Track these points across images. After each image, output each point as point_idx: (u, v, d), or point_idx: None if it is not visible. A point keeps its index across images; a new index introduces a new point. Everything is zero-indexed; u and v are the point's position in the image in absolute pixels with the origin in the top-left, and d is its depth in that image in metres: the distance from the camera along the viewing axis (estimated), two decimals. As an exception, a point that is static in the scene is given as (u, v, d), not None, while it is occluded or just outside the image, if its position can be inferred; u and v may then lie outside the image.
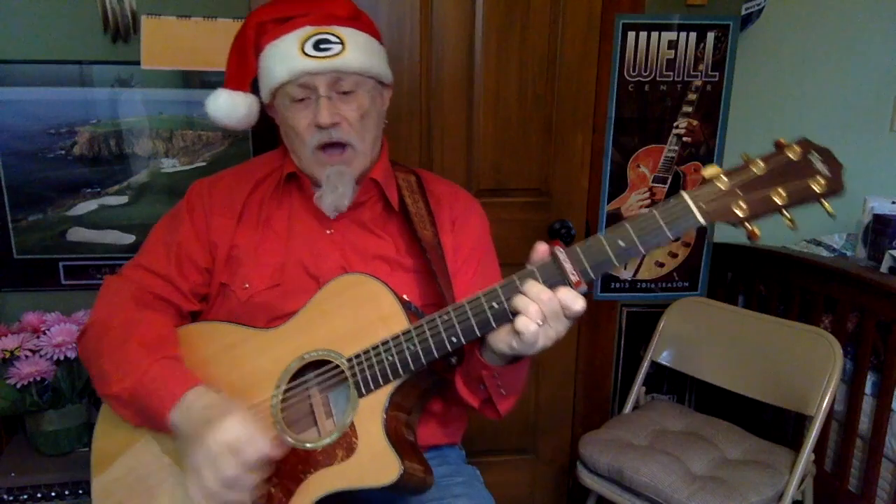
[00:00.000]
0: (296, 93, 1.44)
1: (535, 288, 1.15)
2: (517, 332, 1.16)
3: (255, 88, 1.57)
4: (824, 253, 2.68)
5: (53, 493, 2.04)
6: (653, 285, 2.62)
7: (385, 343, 1.28)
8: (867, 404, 2.20)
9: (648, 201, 2.51)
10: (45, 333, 2.03)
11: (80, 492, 2.04)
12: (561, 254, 1.15)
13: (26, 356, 1.98)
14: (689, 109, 2.46)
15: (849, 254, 2.67)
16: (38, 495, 2.03)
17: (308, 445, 1.30)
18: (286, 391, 1.34)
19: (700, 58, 2.42)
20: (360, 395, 1.29)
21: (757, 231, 1.09)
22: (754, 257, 2.60)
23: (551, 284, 1.15)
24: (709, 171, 1.10)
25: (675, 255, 2.59)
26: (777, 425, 2.50)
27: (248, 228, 1.54)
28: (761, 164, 1.09)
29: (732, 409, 2.53)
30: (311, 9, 1.48)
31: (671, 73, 2.43)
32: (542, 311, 1.14)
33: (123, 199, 2.23)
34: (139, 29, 2.11)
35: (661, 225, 1.10)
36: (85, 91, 2.13)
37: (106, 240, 2.25)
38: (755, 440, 2.30)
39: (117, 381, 1.34)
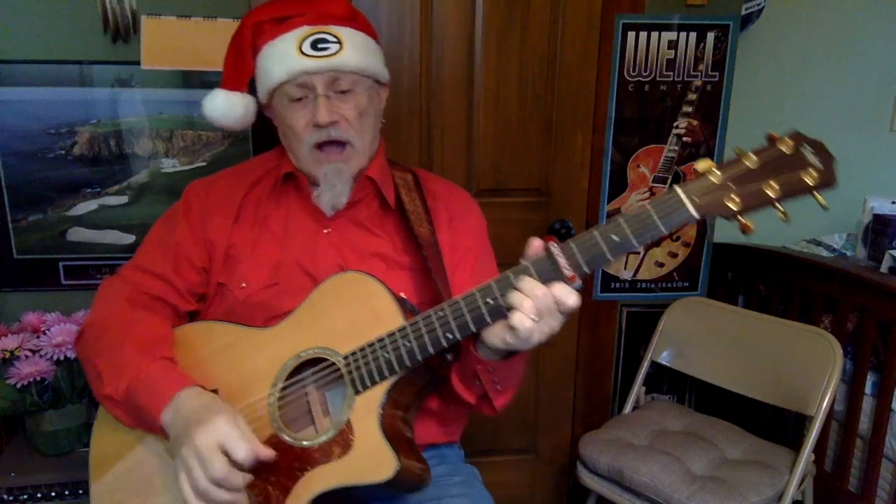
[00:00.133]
0: (294, 92, 1.45)
1: (529, 283, 1.16)
2: (512, 328, 1.17)
3: (251, 89, 1.57)
4: (824, 253, 2.67)
5: (53, 493, 2.04)
6: (653, 285, 2.62)
7: (381, 340, 1.28)
8: (867, 404, 2.19)
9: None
10: (45, 333, 2.03)
11: (80, 492, 2.04)
12: (555, 249, 1.16)
13: (26, 356, 1.98)
14: (689, 109, 2.46)
15: (849, 254, 2.67)
16: (38, 495, 2.03)
17: (304, 443, 1.30)
18: (283, 389, 1.34)
19: (700, 58, 2.42)
20: (357, 393, 1.29)
21: (750, 224, 1.09)
22: (754, 257, 2.60)
23: (546, 280, 1.16)
24: (701, 165, 1.11)
25: (675, 255, 2.59)
26: (777, 425, 2.50)
27: (245, 228, 1.54)
28: (754, 157, 1.09)
29: (732, 409, 2.53)
30: (308, 9, 1.48)
31: (671, 73, 2.43)
32: (537, 306, 1.15)
33: (123, 199, 2.23)
34: (139, 29, 2.11)
35: (654, 219, 1.11)
36: (85, 91, 2.13)
37: (106, 240, 2.25)
38: (755, 440, 2.30)
39: (111, 381, 1.34)
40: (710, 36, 2.40)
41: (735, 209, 1.09)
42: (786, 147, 1.08)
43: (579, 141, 2.49)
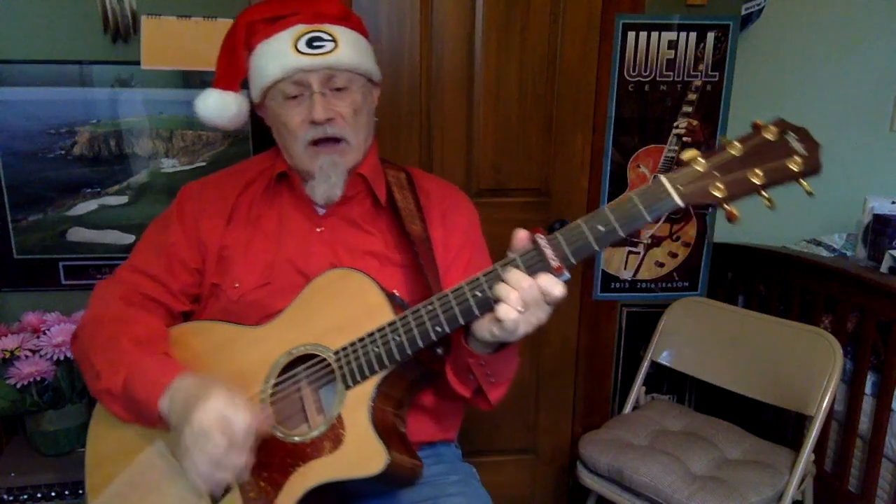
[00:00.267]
0: (289, 90, 1.45)
1: (515, 275, 1.16)
2: (498, 320, 1.17)
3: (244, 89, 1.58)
4: (824, 253, 2.68)
5: (53, 493, 2.04)
6: (653, 285, 2.62)
7: (371, 335, 1.29)
8: (867, 404, 2.19)
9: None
10: (45, 333, 2.03)
11: (80, 492, 2.04)
12: (542, 240, 1.16)
13: (26, 356, 1.99)
14: (689, 109, 2.46)
15: (849, 254, 2.67)
16: (38, 495, 2.04)
17: (296, 438, 1.31)
18: (275, 385, 1.35)
19: (700, 58, 2.42)
20: (347, 388, 1.29)
21: (735, 212, 1.10)
22: (754, 257, 2.59)
23: (533, 271, 1.16)
24: (687, 154, 1.12)
25: (675, 256, 2.58)
26: (777, 425, 2.49)
27: (238, 229, 1.55)
28: (738, 145, 1.10)
29: (732, 409, 2.53)
30: (302, 8, 1.49)
31: (671, 73, 2.43)
32: (523, 297, 1.15)
33: (123, 199, 2.24)
34: (139, 29, 2.11)
35: (639, 208, 1.12)
36: (85, 91, 2.14)
37: (106, 240, 2.25)
38: (755, 440, 2.29)
39: (108, 376, 1.36)
40: (710, 36, 2.40)
41: (720, 196, 1.09)
42: (770, 134, 1.08)
43: (579, 141, 2.49)
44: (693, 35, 2.39)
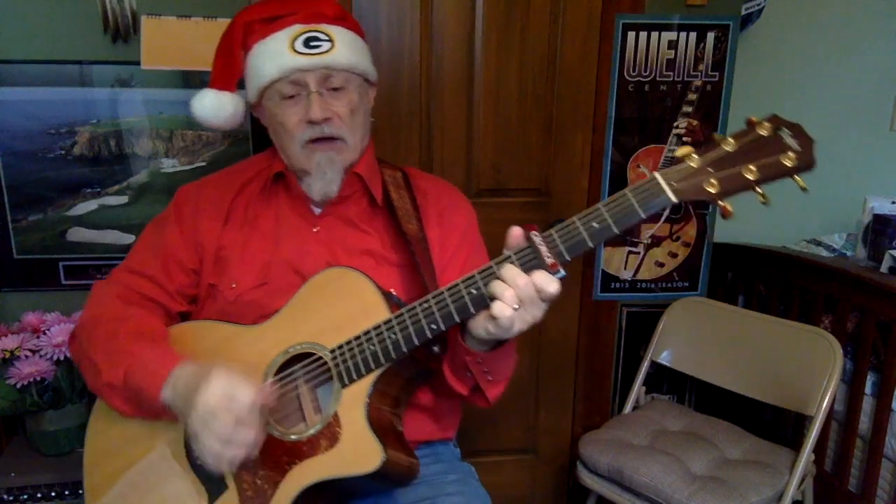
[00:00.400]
0: (286, 89, 1.45)
1: (510, 272, 1.16)
2: (493, 317, 1.17)
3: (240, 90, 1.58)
4: (824, 253, 2.67)
5: (53, 493, 2.04)
6: (653, 285, 2.62)
7: (367, 333, 1.29)
8: (867, 404, 2.19)
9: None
10: (45, 333, 2.04)
11: (80, 492, 2.02)
12: (536, 237, 1.17)
13: (26, 356, 1.99)
14: (689, 109, 2.46)
15: (849, 254, 2.67)
16: (38, 495, 2.04)
17: (292, 437, 1.31)
18: (271, 384, 1.35)
19: (700, 58, 2.42)
20: (344, 386, 1.30)
21: (729, 208, 1.11)
22: (754, 257, 2.59)
23: (528, 268, 1.17)
24: (681, 150, 1.12)
25: (675, 256, 2.58)
26: (777, 425, 2.49)
27: (235, 229, 1.55)
28: (732, 141, 1.10)
29: (732, 409, 2.52)
30: (298, 8, 1.49)
31: (671, 73, 2.43)
32: (518, 295, 1.16)
33: (123, 199, 2.24)
34: (139, 29, 2.12)
35: (633, 204, 1.12)
36: (85, 91, 2.14)
37: (106, 240, 2.25)
38: (755, 440, 2.29)
39: (109, 370, 1.36)
40: (710, 36, 2.40)
41: (714, 192, 1.09)
42: (764, 130, 1.09)
43: (579, 141, 2.49)
44: (693, 35, 2.39)
